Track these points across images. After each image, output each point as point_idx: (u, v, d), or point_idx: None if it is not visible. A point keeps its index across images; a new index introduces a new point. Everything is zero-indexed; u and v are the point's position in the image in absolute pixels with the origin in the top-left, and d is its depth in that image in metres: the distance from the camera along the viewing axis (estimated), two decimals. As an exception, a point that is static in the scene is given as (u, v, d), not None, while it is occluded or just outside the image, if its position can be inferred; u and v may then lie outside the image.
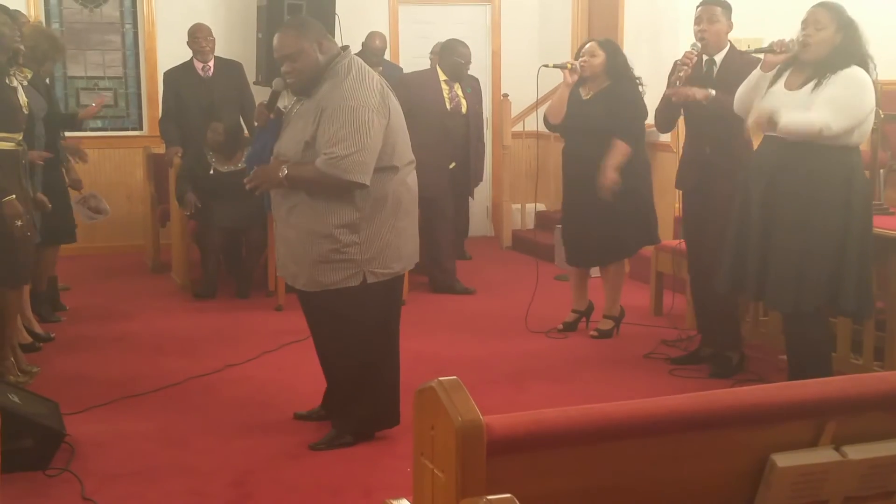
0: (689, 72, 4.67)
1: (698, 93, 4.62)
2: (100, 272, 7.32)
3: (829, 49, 3.98)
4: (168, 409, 4.38)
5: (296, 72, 3.67)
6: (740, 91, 4.28)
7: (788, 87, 4.07)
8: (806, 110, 3.93)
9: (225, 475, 3.66)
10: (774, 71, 4.14)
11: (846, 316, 4.36)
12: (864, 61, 3.99)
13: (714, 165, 4.68)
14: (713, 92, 4.57)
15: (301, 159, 3.64)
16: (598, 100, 5.29)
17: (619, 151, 5.19)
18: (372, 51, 7.35)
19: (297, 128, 3.69)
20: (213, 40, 7.04)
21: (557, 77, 5.60)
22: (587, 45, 5.37)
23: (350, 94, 3.59)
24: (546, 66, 5.49)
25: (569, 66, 5.26)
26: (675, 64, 4.73)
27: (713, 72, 4.68)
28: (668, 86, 4.77)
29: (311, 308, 3.93)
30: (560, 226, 5.77)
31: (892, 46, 6.04)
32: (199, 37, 6.96)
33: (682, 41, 6.13)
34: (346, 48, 3.78)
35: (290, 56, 3.65)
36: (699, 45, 4.73)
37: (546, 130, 5.78)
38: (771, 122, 3.94)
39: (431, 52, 7.73)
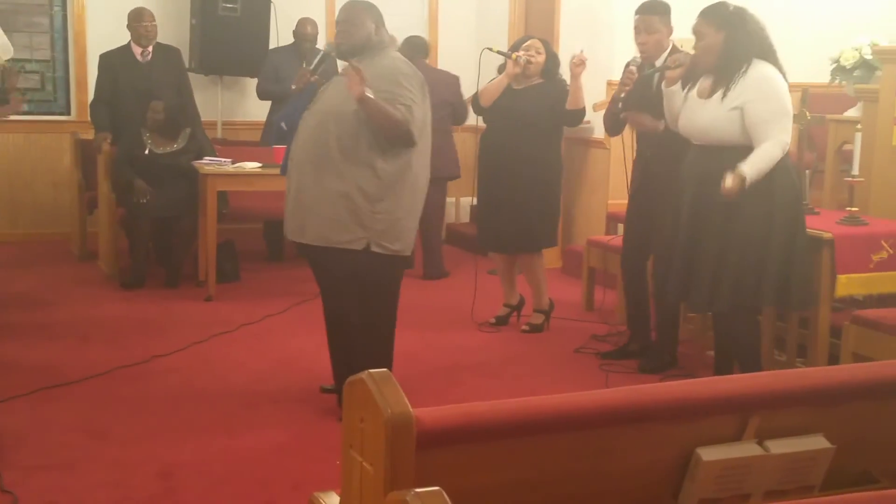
0: (630, 88, 4.71)
1: (649, 123, 4.69)
2: (24, 259, 7.16)
3: (717, 52, 4.07)
4: (92, 400, 4.30)
5: (348, 35, 4.02)
6: (665, 112, 4.40)
7: (700, 94, 4.16)
8: (720, 120, 4.02)
9: (150, 467, 3.60)
10: (690, 82, 4.23)
11: (787, 309, 4.46)
12: (762, 51, 4.05)
13: (653, 169, 4.75)
14: (661, 125, 4.59)
15: (352, 118, 3.88)
16: (531, 92, 5.38)
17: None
18: (303, 37, 7.28)
19: (345, 90, 3.87)
20: (156, 25, 6.91)
21: (489, 72, 5.65)
22: (530, 41, 5.41)
23: (397, 67, 3.99)
24: (490, 49, 5.53)
25: (514, 57, 5.30)
26: (624, 70, 4.76)
27: (654, 78, 4.69)
28: (612, 100, 4.83)
29: (317, 267, 4.11)
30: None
31: (817, 51, 6.20)
32: (144, 21, 6.82)
33: (619, 41, 6.18)
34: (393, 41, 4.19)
35: (350, 21, 4.03)
36: (639, 59, 4.75)
37: (477, 118, 5.76)
38: (743, 179, 3.94)
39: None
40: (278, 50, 7.48)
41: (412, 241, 4.13)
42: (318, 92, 4.13)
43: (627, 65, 4.69)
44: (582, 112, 5.36)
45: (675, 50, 4.67)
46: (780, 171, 4.05)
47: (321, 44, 7.22)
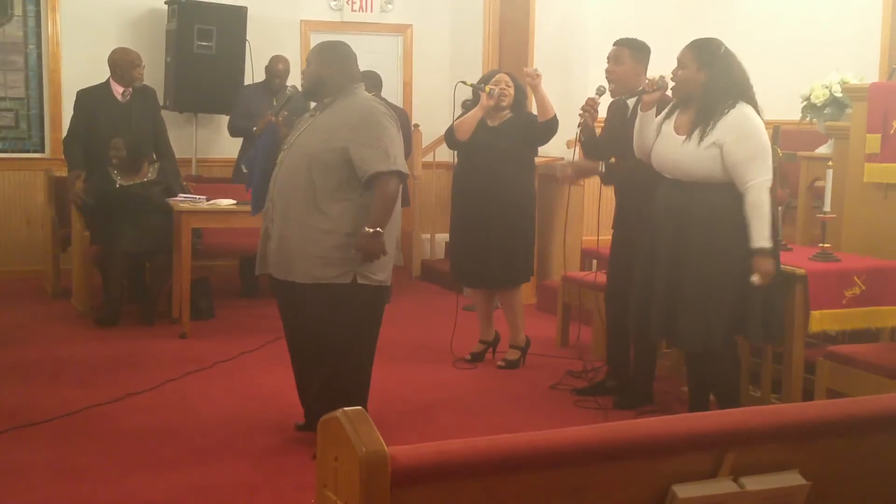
0: (592, 117, 4.74)
1: (589, 168, 5.08)
2: (-4, 297, 7.10)
3: (695, 87, 4.10)
4: (65, 440, 4.25)
5: (305, 76, 4.25)
6: (635, 137, 4.40)
7: (678, 130, 4.18)
8: (702, 158, 4.04)
9: (123, 508, 3.56)
10: (665, 110, 4.27)
11: (757, 343, 4.50)
12: (745, 95, 4.10)
13: (626, 203, 4.79)
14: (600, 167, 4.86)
15: (330, 157, 3.97)
16: (507, 128, 5.41)
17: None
18: (274, 74, 7.32)
19: (321, 130, 4.04)
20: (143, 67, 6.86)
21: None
22: (498, 75, 5.47)
23: (371, 107, 4.09)
24: (464, 82, 5.59)
25: (487, 90, 5.35)
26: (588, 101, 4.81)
27: (627, 108, 4.75)
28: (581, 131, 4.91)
29: (297, 304, 4.09)
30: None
31: (788, 89, 6.28)
32: (139, 64, 6.75)
33: (592, 78, 6.22)
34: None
35: (308, 63, 4.23)
36: (605, 87, 4.80)
37: (453, 153, 5.79)
38: (768, 253, 4.02)
39: None
40: (250, 87, 7.53)
41: (390, 273, 4.18)
42: (293, 128, 4.20)
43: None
44: (555, 120, 5.38)
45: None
46: None
47: (291, 81, 7.25)
